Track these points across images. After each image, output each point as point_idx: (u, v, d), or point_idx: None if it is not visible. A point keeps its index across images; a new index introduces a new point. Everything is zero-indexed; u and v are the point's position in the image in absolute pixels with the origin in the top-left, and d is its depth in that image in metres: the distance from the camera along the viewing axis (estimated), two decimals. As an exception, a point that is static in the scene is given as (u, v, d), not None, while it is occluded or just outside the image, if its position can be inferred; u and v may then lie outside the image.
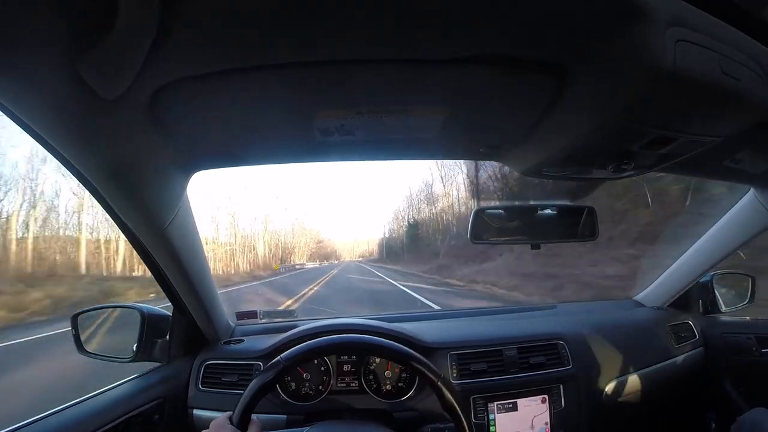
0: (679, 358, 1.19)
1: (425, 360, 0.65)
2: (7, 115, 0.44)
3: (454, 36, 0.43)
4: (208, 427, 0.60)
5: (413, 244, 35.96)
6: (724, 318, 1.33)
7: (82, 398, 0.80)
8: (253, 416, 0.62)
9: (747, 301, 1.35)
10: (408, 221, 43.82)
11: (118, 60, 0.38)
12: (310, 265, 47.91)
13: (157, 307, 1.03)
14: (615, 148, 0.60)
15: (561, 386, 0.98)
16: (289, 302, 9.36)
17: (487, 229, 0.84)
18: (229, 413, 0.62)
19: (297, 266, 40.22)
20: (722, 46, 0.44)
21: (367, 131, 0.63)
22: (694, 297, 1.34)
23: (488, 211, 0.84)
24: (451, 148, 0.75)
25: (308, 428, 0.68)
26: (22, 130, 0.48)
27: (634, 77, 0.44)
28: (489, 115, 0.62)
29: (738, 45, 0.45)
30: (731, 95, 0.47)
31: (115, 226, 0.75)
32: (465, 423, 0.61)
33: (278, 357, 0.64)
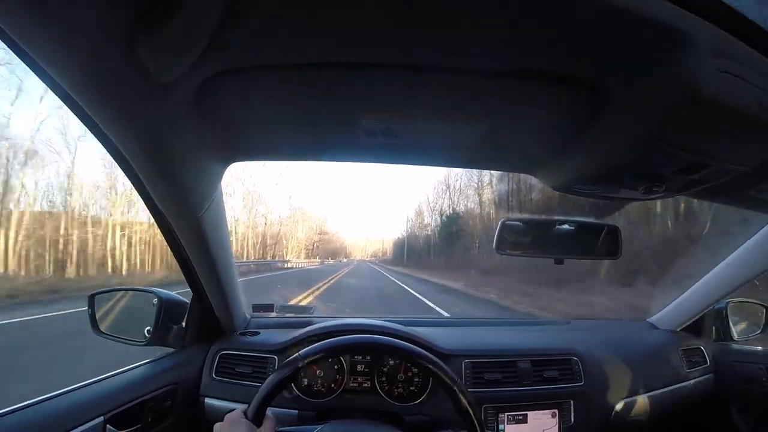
0: (690, 383, 1.18)
1: (442, 364, 0.65)
2: (54, 91, 0.45)
3: (497, 49, 0.44)
4: (219, 416, 0.61)
5: (448, 245, 25.76)
6: (736, 346, 1.32)
7: (95, 379, 0.81)
8: (268, 411, 0.62)
9: (760, 331, 1.35)
10: (441, 213, 31.15)
11: (178, 44, 0.39)
12: (304, 263, 33.48)
13: (174, 293, 1.04)
14: (648, 170, 0.61)
15: (572, 402, 0.98)
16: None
17: (513, 240, 0.84)
18: (243, 407, 0.62)
19: (278, 264, 26.36)
20: (762, 79, 0.44)
21: (410, 135, 0.64)
22: (708, 323, 1.34)
23: (514, 222, 0.84)
24: (488, 159, 0.75)
25: (321, 426, 0.68)
26: (67, 107, 0.48)
27: (674, 103, 0.45)
28: (527, 129, 0.63)
29: None
30: (764, 127, 0.47)
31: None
32: (479, 429, 0.61)
33: (297, 353, 0.65)
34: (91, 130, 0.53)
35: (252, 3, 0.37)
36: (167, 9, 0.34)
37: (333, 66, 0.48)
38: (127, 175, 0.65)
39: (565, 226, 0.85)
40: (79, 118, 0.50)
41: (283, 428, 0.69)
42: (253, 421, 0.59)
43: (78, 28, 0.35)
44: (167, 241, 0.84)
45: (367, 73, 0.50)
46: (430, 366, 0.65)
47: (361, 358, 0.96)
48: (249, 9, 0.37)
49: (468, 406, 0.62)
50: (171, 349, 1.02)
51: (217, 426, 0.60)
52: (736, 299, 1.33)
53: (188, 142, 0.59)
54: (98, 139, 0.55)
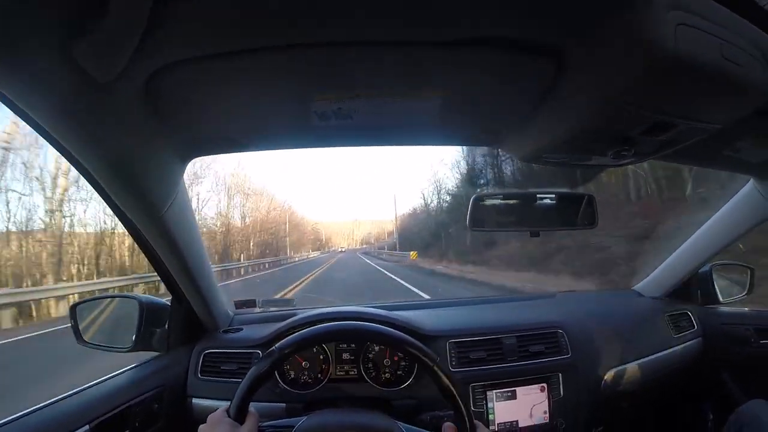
0: (678, 348, 1.19)
1: (420, 344, 0.65)
2: (1, 101, 0.44)
3: (449, 18, 0.43)
4: (207, 416, 0.60)
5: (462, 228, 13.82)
6: (723, 309, 1.33)
7: (81, 387, 0.80)
8: (251, 407, 0.61)
9: (745, 292, 1.36)
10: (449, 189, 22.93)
11: (111, 42, 0.38)
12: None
13: (154, 297, 1.03)
14: (615, 133, 0.60)
15: (560, 375, 0.98)
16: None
17: (486, 216, 0.84)
18: (225, 406, 0.60)
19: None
20: (723, 31, 0.43)
21: (364, 115, 0.63)
22: (693, 287, 1.34)
23: (487, 198, 0.84)
24: (450, 134, 0.74)
25: (306, 417, 0.68)
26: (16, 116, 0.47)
27: (634, 61, 0.44)
28: (487, 100, 0.62)
29: (739, 30, 0.45)
30: (732, 81, 0.46)
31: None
32: (463, 407, 0.60)
33: (273, 346, 0.64)
34: (43, 137, 0.52)
35: None
36: (96, 11, 0.33)
37: (277, 50, 0.47)
38: (88, 180, 0.64)
39: (543, 199, 0.85)
40: (30, 125, 0.49)
41: (267, 422, 0.69)
42: (235, 419, 0.58)
43: (13, 39, 0.34)
44: (136, 242, 0.83)
45: (314, 52, 0.48)
46: (409, 348, 0.64)
47: (345, 346, 0.96)
48: (177, 2, 0.36)
49: (450, 385, 0.61)
50: (157, 353, 1.02)
51: (201, 427, 0.58)
52: (719, 262, 1.34)
53: (141, 140, 0.58)
54: (51, 144, 0.54)
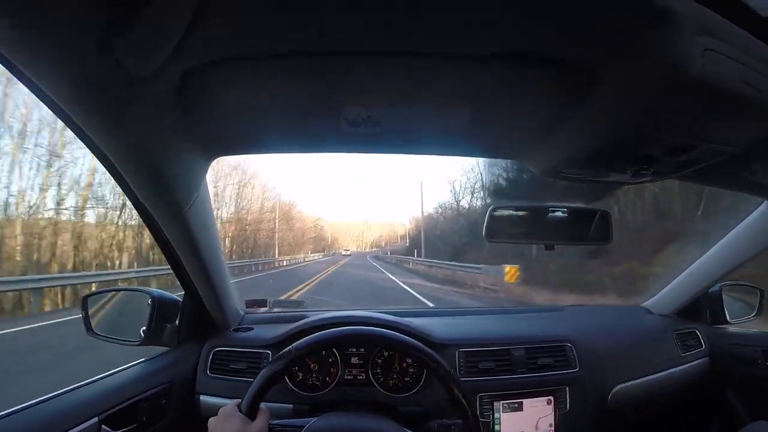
0: (685, 367, 1.19)
1: (436, 355, 0.65)
2: (31, 89, 0.44)
3: (480, 31, 0.44)
4: (214, 413, 0.61)
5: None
6: (731, 329, 1.32)
7: (90, 380, 0.81)
8: (262, 405, 0.62)
9: (754, 313, 1.35)
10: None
11: (152, 37, 0.38)
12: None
13: (167, 292, 1.04)
14: (635, 152, 0.61)
15: (567, 388, 0.98)
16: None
17: (502, 227, 0.84)
18: (237, 401, 0.62)
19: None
20: (747, 57, 0.44)
21: (393, 123, 0.64)
22: (703, 306, 1.34)
23: (503, 210, 0.84)
24: (473, 145, 0.75)
25: (316, 418, 0.68)
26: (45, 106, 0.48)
27: (660, 82, 0.45)
28: (513, 113, 0.62)
29: (760, 56, 0.45)
30: (751, 105, 0.47)
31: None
32: (472, 419, 0.61)
33: (290, 346, 0.65)
34: (71, 128, 0.52)
35: None
36: (138, 8, 0.34)
37: (312, 54, 0.48)
38: (110, 173, 0.64)
39: (556, 213, 0.85)
40: (58, 115, 0.50)
41: (276, 421, 0.69)
42: (247, 415, 0.59)
43: (51, 28, 0.35)
44: (155, 239, 0.84)
45: (348, 60, 0.49)
46: (424, 357, 0.65)
47: (355, 350, 0.96)
48: (220, 2, 0.37)
49: (461, 398, 0.62)
50: (166, 348, 1.02)
51: (211, 420, 0.60)
52: (729, 282, 1.33)
53: (171, 137, 0.59)
54: (78, 137, 0.55)
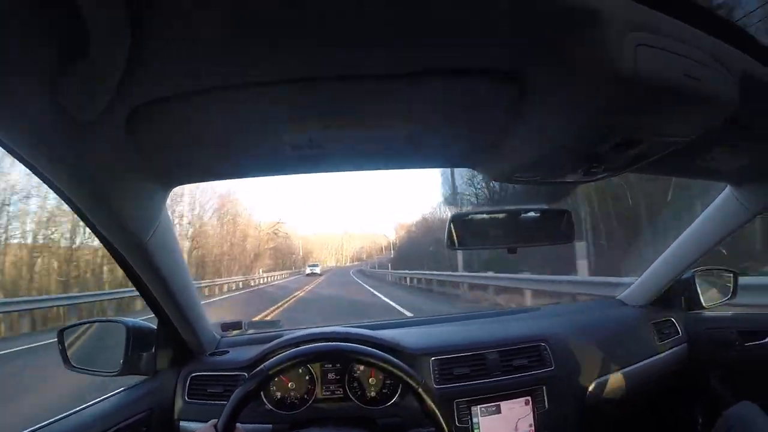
0: (663, 355, 1.21)
1: (406, 367, 0.66)
2: None
3: (411, 51, 0.44)
4: None
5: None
6: (707, 314, 1.34)
7: (68, 413, 0.81)
8: (238, 425, 0.63)
9: (729, 296, 1.37)
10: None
11: (92, 84, 0.40)
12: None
13: (141, 320, 1.03)
14: (583, 151, 0.61)
15: (544, 387, 0.99)
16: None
17: (463, 235, 0.85)
18: (213, 421, 0.63)
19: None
20: (683, 47, 0.44)
21: (336, 144, 0.65)
22: (677, 294, 1.36)
23: (464, 217, 0.85)
24: (423, 158, 0.76)
25: None
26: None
27: (595, 83, 0.45)
28: (455, 126, 0.63)
29: (699, 44, 0.45)
30: (694, 96, 0.47)
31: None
32: (445, 429, 0.61)
33: (262, 365, 0.65)
34: (30, 170, 0.53)
35: (154, 41, 0.38)
36: (77, 55, 0.35)
37: (246, 85, 0.49)
38: (72, 208, 0.65)
39: (517, 215, 0.86)
40: (17, 159, 0.51)
41: None
42: None
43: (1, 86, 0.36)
44: (122, 269, 0.84)
45: (282, 88, 0.50)
46: (393, 369, 0.66)
47: (331, 366, 0.96)
48: (154, 43, 0.38)
49: (432, 407, 0.63)
50: (144, 377, 1.02)
51: None
52: (702, 268, 1.36)
53: (124, 173, 0.60)
54: (38, 177, 0.56)
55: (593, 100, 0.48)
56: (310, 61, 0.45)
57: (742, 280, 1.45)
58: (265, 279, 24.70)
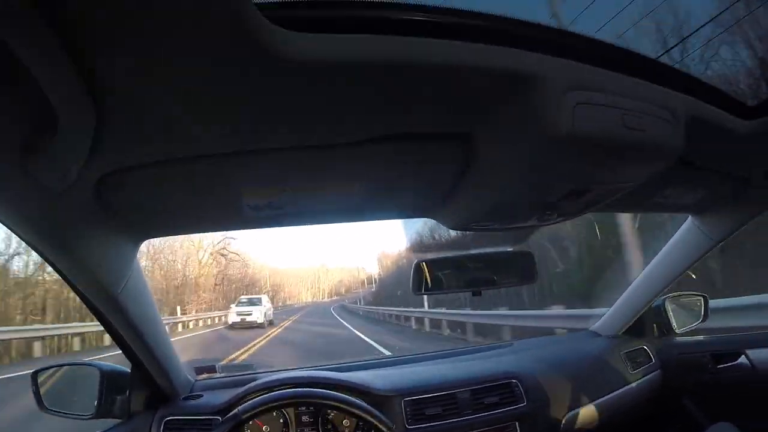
0: (636, 384, 1.22)
1: (376, 412, 0.67)
2: None
3: (357, 121, 0.47)
4: None
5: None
6: (679, 339, 1.37)
7: None
8: None
9: (700, 320, 1.40)
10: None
11: (62, 158, 0.42)
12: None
13: (115, 364, 1.04)
14: (535, 200, 0.64)
15: (516, 424, 1.00)
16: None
17: (428, 280, 0.87)
18: None
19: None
20: (623, 100, 0.45)
21: (293, 204, 0.67)
22: (649, 322, 1.39)
23: (428, 262, 0.88)
24: (379, 211, 0.78)
25: None
26: None
27: (536, 141, 0.47)
28: (407, 184, 0.66)
29: (639, 94, 0.47)
30: (637, 146, 0.48)
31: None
32: None
33: (236, 410, 0.67)
34: (9, 229, 0.55)
35: (118, 115, 0.40)
36: (46, 132, 0.37)
37: (209, 156, 0.51)
38: (46, 261, 0.67)
39: (480, 259, 0.89)
40: None
41: None
42: None
43: None
44: (97, 318, 0.85)
45: (239, 158, 0.53)
46: (364, 415, 0.67)
47: (304, 409, 0.97)
48: (117, 121, 0.41)
49: None
50: (118, 420, 1.02)
51: None
52: (672, 294, 1.39)
53: (94, 231, 0.62)
54: (16, 235, 0.58)
55: (537, 157, 0.50)
56: (263, 133, 0.47)
57: (713, 302, 1.48)
58: (184, 325, 14.77)
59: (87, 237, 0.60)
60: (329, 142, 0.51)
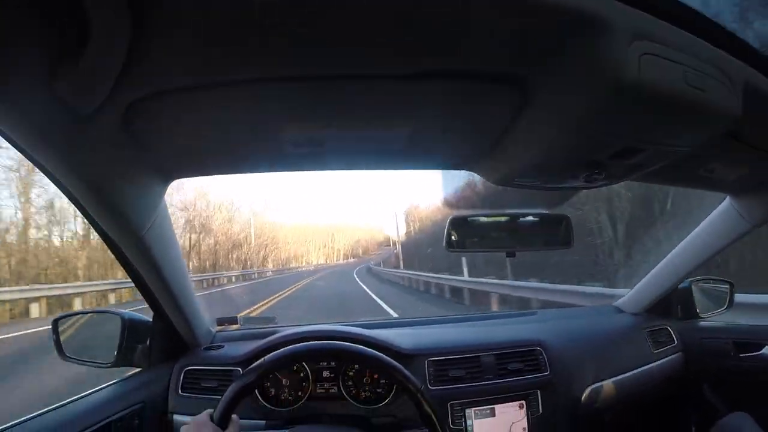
0: (658, 364, 1.21)
1: (405, 371, 0.66)
2: None
3: (412, 52, 0.44)
4: None
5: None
6: (702, 323, 1.35)
7: (61, 403, 0.81)
8: (234, 416, 0.63)
9: (725, 307, 1.38)
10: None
11: (91, 76, 0.40)
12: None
13: (137, 313, 1.03)
14: (584, 159, 0.61)
15: (539, 392, 0.99)
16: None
17: (462, 237, 0.85)
18: (209, 411, 0.63)
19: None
20: (687, 57, 0.44)
21: (336, 143, 0.65)
22: (673, 303, 1.36)
23: (464, 219, 0.85)
24: (422, 159, 0.76)
25: (288, 430, 0.69)
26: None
27: (597, 90, 0.45)
28: (454, 128, 0.63)
29: (702, 55, 0.46)
30: (696, 106, 0.47)
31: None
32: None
33: (261, 359, 0.66)
34: (31, 161, 0.53)
35: (156, 33, 0.38)
36: (77, 46, 0.35)
37: (249, 82, 0.48)
38: (72, 202, 0.65)
39: (517, 219, 0.86)
40: (19, 151, 0.51)
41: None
42: (218, 425, 0.61)
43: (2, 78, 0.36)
44: (119, 261, 0.84)
45: (284, 86, 0.50)
46: (393, 372, 0.66)
47: (325, 364, 0.96)
48: (155, 36, 0.38)
49: (430, 412, 0.62)
50: (138, 369, 1.02)
51: (183, 428, 0.61)
52: (699, 278, 1.36)
53: (122, 165, 0.60)
54: (39, 169, 0.56)
55: (595, 108, 0.48)
56: (311, 59, 0.45)
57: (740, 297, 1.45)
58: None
59: (114, 170, 0.58)
60: (378, 73, 0.48)
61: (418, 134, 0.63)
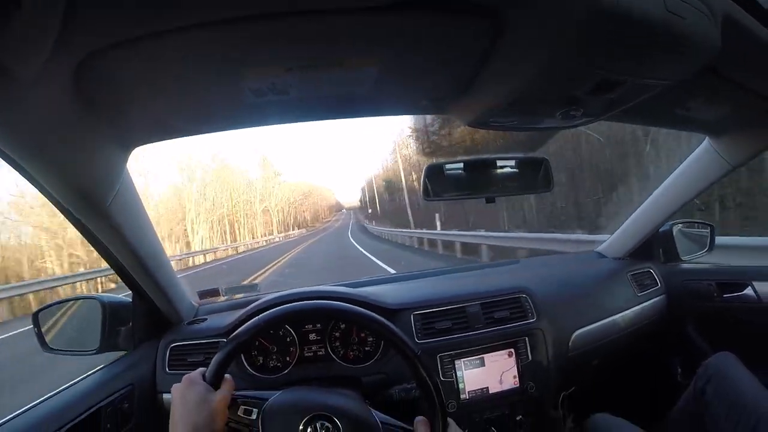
0: (642, 306, 1.23)
1: (401, 335, 0.63)
2: None
3: None
4: None
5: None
6: (685, 266, 1.37)
7: (49, 394, 0.79)
8: (227, 375, 0.62)
9: (706, 249, 1.40)
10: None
11: (29, 34, 0.36)
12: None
13: (117, 295, 1.01)
14: (561, 93, 0.60)
15: (526, 339, 1.00)
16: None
17: (440, 186, 0.84)
18: (202, 369, 0.62)
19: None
20: None
21: (300, 89, 0.61)
22: (655, 246, 1.38)
23: (439, 167, 0.84)
24: (392, 103, 0.73)
25: (280, 392, 0.68)
26: None
27: (573, 18, 0.43)
28: (426, 66, 0.60)
29: None
30: (676, 35, 0.46)
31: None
32: (437, 399, 0.60)
33: (256, 318, 0.64)
34: None
35: None
36: (9, 4, 0.31)
37: (200, 26, 0.45)
38: (22, 175, 0.61)
39: (494, 165, 0.85)
40: None
41: (240, 392, 0.68)
42: (210, 383, 0.59)
43: None
44: (87, 239, 0.80)
45: (240, 27, 0.46)
46: (389, 335, 0.63)
47: (311, 326, 0.95)
48: None
49: (427, 379, 0.60)
50: (124, 352, 1.00)
51: (175, 386, 0.60)
52: (680, 221, 1.38)
53: (76, 133, 0.56)
54: None
55: (571, 36, 0.46)
56: None
57: (720, 239, 1.48)
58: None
59: (67, 139, 0.55)
60: (340, 6, 0.45)
61: (386, 74, 0.60)
